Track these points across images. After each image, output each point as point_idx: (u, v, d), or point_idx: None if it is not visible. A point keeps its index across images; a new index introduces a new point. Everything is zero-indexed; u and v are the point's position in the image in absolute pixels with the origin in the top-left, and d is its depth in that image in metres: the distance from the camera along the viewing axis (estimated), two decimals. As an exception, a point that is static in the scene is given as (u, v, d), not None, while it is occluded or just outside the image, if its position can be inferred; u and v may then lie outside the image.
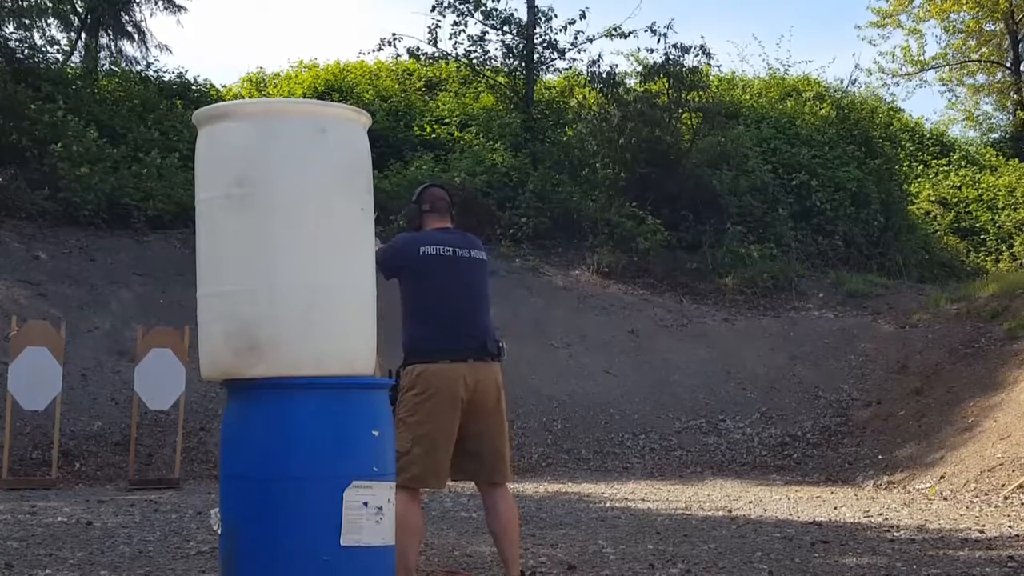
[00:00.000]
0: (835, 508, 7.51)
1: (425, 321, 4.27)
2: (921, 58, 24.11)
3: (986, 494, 7.82)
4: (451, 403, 4.18)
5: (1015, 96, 22.91)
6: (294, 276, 3.18)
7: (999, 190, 19.10)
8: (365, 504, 3.13)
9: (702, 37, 38.87)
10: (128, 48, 17.67)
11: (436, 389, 4.18)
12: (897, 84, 25.18)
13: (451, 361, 4.21)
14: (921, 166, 20.28)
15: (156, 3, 17.51)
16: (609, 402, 11.39)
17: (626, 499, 8.09)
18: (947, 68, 24.37)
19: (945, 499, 7.99)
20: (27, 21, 15.91)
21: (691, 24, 51.71)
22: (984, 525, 6.53)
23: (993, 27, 23.50)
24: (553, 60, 17.58)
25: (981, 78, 24.32)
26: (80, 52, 17.52)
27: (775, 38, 50.60)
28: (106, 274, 12.38)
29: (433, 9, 16.96)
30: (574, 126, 16.44)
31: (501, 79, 17.86)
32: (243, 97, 17.91)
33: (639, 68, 17.02)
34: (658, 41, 16.32)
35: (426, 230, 4.46)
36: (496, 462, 4.35)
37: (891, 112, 21.62)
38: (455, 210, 4.60)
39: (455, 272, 4.33)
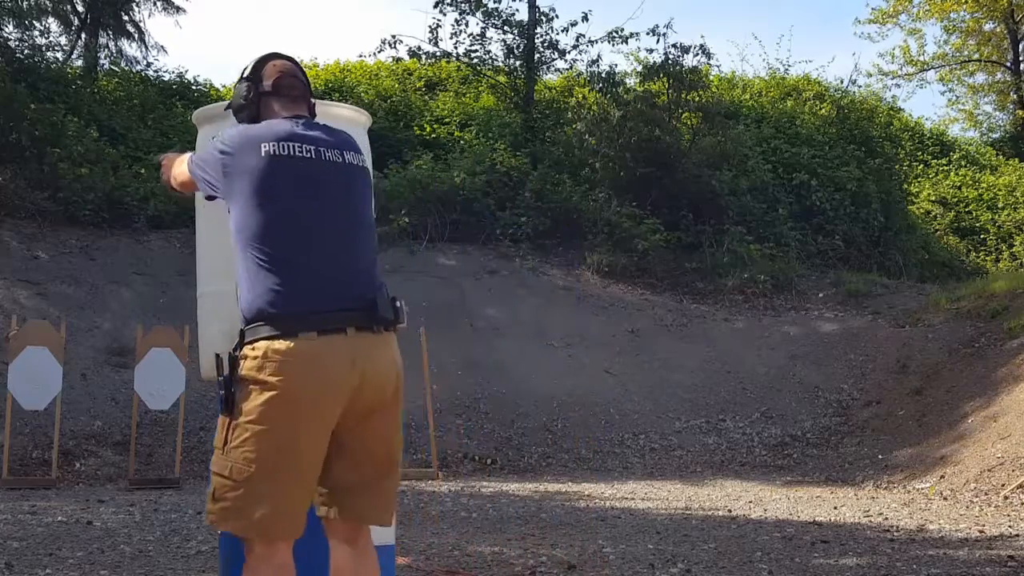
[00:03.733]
0: (835, 508, 7.50)
1: (274, 268, 2.69)
2: (921, 58, 24.16)
3: (986, 494, 7.81)
4: (318, 404, 2.62)
5: (1015, 96, 22.92)
6: (294, 276, 3.17)
7: (999, 190, 19.11)
8: (365, 504, 3.13)
9: (702, 37, 38.97)
10: (128, 48, 17.72)
11: (293, 383, 2.60)
12: (897, 85, 25.21)
13: (320, 333, 2.63)
14: (921, 166, 20.28)
15: (155, 4, 17.55)
16: (609, 402, 11.38)
17: (626, 499, 8.08)
18: (947, 68, 24.39)
19: (945, 499, 7.99)
20: (27, 21, 15.93)
21: (691, 24, 51.69)
22: (984, 525, 6.52)
23: (993, 27, 23.51)
24: (554, 60, 17.61)
25: (981, 78, 24.37)
26: (80, 52, 17.53)
27: (775, 38, 50.86)
28: (106, 274, 12.40)
29: (436, 6, 17.00)
30: (574, 126, 16.44)
31: (501, 79, 17.86)
32: (243, 97, 17.88)
33: (639, 68, 17.05)
34: (658, 41, 16.48)
35: (269, 120, 2.87)
36: (375, 496, 2.77)
37: (891, 112, 21.65)
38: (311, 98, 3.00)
39: (322, 185, 2.76)
